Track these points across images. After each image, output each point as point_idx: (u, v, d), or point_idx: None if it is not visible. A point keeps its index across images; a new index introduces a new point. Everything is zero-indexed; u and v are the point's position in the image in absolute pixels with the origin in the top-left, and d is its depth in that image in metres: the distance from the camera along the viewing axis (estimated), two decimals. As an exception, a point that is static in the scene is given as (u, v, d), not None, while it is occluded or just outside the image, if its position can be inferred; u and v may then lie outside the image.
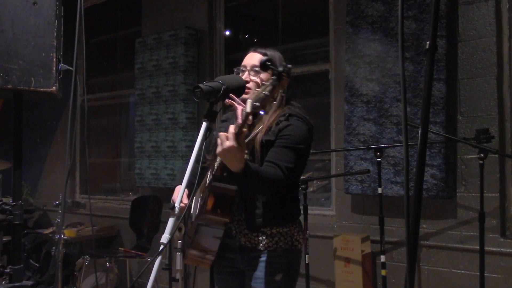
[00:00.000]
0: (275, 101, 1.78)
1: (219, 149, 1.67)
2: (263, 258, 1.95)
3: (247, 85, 1.96)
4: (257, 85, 1.95)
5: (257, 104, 1.55)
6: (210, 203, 1.83)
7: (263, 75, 1.97)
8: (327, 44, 3.86)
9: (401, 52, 1.24)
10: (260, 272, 1.95)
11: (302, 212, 2.10)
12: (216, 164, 1.90)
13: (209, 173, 1.99)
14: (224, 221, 1.87)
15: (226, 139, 1.63)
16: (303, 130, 1.93)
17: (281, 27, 4.37)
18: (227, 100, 1.83)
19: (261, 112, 1.60)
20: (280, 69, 1.55)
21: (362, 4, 3.41)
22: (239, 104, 1.70)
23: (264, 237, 1.94)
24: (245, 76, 2.00)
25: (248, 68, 2.02)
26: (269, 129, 1.91)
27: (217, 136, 2.06)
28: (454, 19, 3.15)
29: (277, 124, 1.91)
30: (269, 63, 1.66)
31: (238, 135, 1.63)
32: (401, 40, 1.26)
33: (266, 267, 1.94)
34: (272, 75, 1.60)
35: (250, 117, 1.59)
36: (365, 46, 3.38)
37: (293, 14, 4.45)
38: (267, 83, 1.58)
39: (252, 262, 1.97)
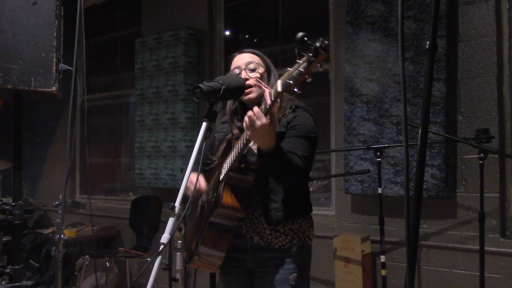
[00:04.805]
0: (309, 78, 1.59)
1: (249, 132, 1.66)
2: (276, 258, 1.93)
3: (248, 82, 1.95)
4: (258, 80, 1.94)
5: (290, 82, 1.51)
6: (225, 196, 1.79)
7: (261, 70, 2.00)
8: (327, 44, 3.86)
9: (401, 52, 1.24)
10: (273, 273, 1.93)
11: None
12: (232, 156, 1.87)
13: (219, 171, 1.97)
14: (239, 216, 1.85)
15: (257, 119, 1.63)
16: (311, 120, 1.97)
17: (281, 27, 4.37)
18: (255, 83, 1.82)
19: (296, 90, 1.54)
20: (317, 44, 1.46)
21: (362, 4, 3.41)
22: (266, 87, 1.67)
23: (278, 235, 1.93)
24: (243, 75, 1.98)
25: (243, 67, 2.00)
26: (277, 121, 1.90)
27: (219, 138, 2.04)
28: (454, 19, 3.15)
29: (284, 116, 1.92)
30: (306, 38, 1.51)
31: (267, 115, 1.63)
32: (401, 40, 1.26)
33: (280, 267, 1.92)
34: (308, 52, 1.50)
35: (279, 100, 1.57)
36: (365, 46, 3.38)
37: (293, 14, 4.45)
38: (300, 61, 1.50)
39: (264, 262, 1.95)
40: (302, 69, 1.49)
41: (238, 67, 2.02)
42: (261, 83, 1.75)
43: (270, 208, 1.90)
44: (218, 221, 1.84)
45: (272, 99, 1.58)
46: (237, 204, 1.81)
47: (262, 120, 1.63)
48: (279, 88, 1.53)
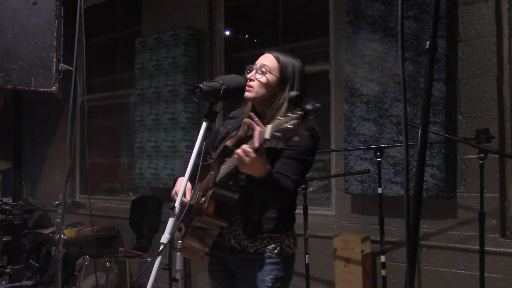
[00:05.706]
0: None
1: (241, 167, 1.69)
2: (252, 260, 1.95)
3: (251, 83, 1.96)
4: (261, 85, 1.94)
5: (279, 134, 1.51)
6: (210, 208, 1.85)
7: (270, 77, 1.95)
8: (327, 44, 3.86)
9: (401, 52, 1.25)
10: (250, 274, 1.95)
11: (296, 219, 2.12)
12: (222, 172, 1.88)
13: (212, 173, 1.98)
14: (221, 225, 1.91)
15: (245, 156, 1.64)
16: (310, 142, 1.93)
17: (281, 27, 4.37)
18: (245, 120, 1.81)
19: (280, 145, 1.61)
20: (309, 107, 1.48)
21: (362, 4, 3.41)
22: (258, 124, 1.65)
23: (254, 240, 1.94)
24: (251, 74, 1.98)
25: (257, 66, 1.99)
26: None
27: (222, 133, 2.04)
28: (454, 19, 3.15)
29: None
30: (297, 99, 1.59)
31: (255, 151, 1.64)
32: (401, 40, 1.26)
33: (256, 268, 1.94)
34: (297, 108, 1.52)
35: (267, 143, 1.59)
36: (365, 46, 3.38)
37: (293, 14, 4.45)
38: (293, 115, 1.50)
39: (242, 263, 1.98)
40: (291, 126, 1.49)
41: (255, 65, 2.01)
42: (254, 119, 1.69)
43: (250, 219, 1.94)
44: (201, 225, 1.90)
45: (260, 143, 1.60)
46: (219, 216, 1.88)
47: (251, 155, 1.64)
48: (267, 136, 1.55)
